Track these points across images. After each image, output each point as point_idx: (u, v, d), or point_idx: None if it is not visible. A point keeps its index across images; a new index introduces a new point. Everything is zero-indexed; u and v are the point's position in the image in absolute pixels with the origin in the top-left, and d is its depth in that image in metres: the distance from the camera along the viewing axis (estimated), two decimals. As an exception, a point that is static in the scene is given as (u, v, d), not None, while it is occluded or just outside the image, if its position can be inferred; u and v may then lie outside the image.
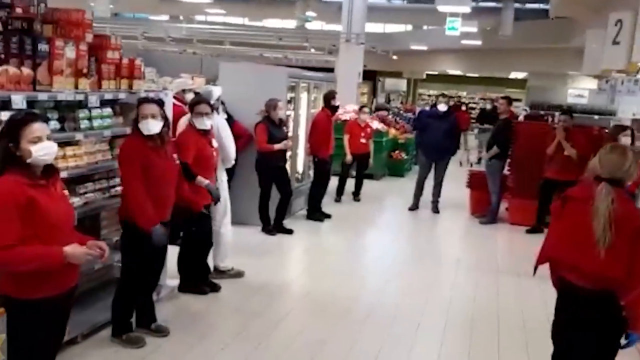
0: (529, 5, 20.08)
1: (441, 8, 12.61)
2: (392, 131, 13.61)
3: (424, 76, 30.70)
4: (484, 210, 9.11)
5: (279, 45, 20.00)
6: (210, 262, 5.57)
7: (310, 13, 20.14)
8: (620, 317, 2.97)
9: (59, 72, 3.64)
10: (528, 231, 8.41)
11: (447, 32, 14.62)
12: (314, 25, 23.13)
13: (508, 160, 8.95)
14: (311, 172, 8.71)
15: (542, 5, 20.99)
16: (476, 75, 29.12)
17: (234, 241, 5.88)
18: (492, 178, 8.84)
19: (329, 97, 8.47)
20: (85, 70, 3.87)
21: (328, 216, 8.61)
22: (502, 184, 8.90)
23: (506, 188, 9.02)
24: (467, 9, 12.71)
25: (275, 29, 19.16)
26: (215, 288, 5.36)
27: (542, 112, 16.22)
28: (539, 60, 20.69)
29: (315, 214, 8.54)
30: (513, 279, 6.43)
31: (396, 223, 9.01)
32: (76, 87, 3.83)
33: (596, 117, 11.11)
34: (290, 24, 24.84)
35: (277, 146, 7.03)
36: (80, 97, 3.88)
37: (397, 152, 13.34)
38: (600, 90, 15.63)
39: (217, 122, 5.35)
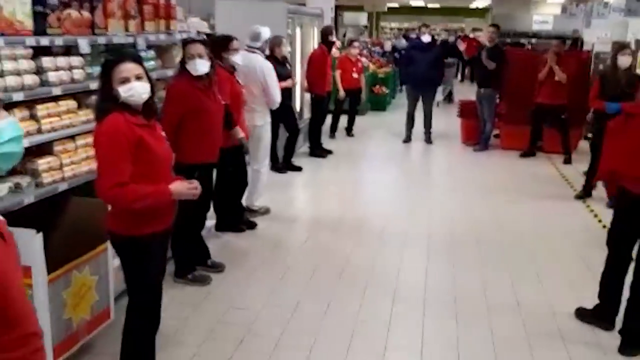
0: None
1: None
2: (371, 66, 13.65)
3: (386, 9, 30.38)
4: (476, 138, 9.40)
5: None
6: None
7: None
8: None
9: (112, 15, 3.58)
10: (522, 155, 8.77)
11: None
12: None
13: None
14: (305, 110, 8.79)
15: None
16: (437, 6, 28.98)
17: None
18: (488, 105, 9.07)
19: (327, 32, 8.49)
20: (132, 12, 3.81)
21: (330, 152, 8.76)
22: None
23: (497, 115, 9.30)
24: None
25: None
26: (252, 226, 5.48)
27: (508, 40, 16.55)
28: (503, -13, 20.75)
29: (317, 150, 8.67)
30: (512, 196, 6.82)
31: (393, 155, 9.19)
32: (126, 29, 3.77)
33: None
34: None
35: (283, 84, 7.02)
36: (130, 39, 3.82)
37: (377, 86, 13.42)
38: (571, 14, 16.02)
39: (262, 65, 5.34)
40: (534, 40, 17.28)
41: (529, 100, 8.46)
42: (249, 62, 5.41)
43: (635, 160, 3.34)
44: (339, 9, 28.80)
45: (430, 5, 29.00)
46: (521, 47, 14.89)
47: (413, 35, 19.29)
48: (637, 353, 3.52)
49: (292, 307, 4.01)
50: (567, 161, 8.42)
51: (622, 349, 3.54)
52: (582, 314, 3.95)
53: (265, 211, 5.94)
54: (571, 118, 8.22)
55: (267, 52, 6.90)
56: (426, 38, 9.57)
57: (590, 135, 8.15)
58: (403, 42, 17.21)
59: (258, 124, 5.72)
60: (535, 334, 3.78)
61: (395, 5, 29.79)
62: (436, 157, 9.31)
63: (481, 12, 28.67)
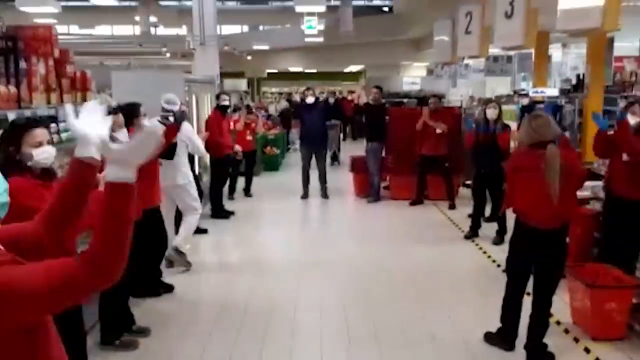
0: (357, 3, 21.63)
1: (299, 8, 13.32)
2: (261, 128, 14.11)
3: (265, 74, 31.46)
4: (367, 191, 10.02)
5: (120, 52, 19.45)
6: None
7: (153, 18, 19.85)
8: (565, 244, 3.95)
9: (36, 89, 3.69)
10: (411, 203, 9.46)
11: (306, 31, 15.42)
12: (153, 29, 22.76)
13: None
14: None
15: (368, 2, 22.78)
16: (315, 71, 30.51)
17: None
18: (374, 160, 9.75)
19: (218, 97, 8.86)
20: (53, 86, 3.92)
21: (232, 213, 8.95)
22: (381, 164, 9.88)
23: (385, 168, 10.02)
24: (322, 8, 13.56)
25: (129, 37, 18.61)
26: (170, 288, 5.53)
27: (383, 100, 17.83)
28: (375, 53, 22.42)
29: (220, 212, 8.82)
30: (409, 240, 7.38)
31: (294, 211, 9.55)
32: (48, 102, 3.87)
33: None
34: (124, 30, 24.11)
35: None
36: (52, 111, 3.92)
37: (269, 147, 13.87)
38: (438, 76, 17.61)
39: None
40: (406, 100, 18.75)
41: (413, 152, 9.24)
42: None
43: (531, 204, 3.99)
44: (220, 75, 29.46)
45: (307, 71, 30.44)
46: (400, 105, 16.08)
47: (296, 98, 20.27)
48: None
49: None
50: (452, 207, 9.20)
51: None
52: (488, 337, 4.43)
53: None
54: (451, 167, 9.07)
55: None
56: (310, 100, 10.24)
57: (468, 182, 9.05)
58: (284, 104, 18.01)
59: (181, 183, 6.07)
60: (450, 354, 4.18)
61: (275, 70, 30.96)
62: (334, 210, 9.78)
63: (355, 76, 30.51)
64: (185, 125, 6.02)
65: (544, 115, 4.16)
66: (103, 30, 25.09)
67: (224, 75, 28.52)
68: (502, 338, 4.34)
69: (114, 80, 7.67)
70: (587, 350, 4.27)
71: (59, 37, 4.04)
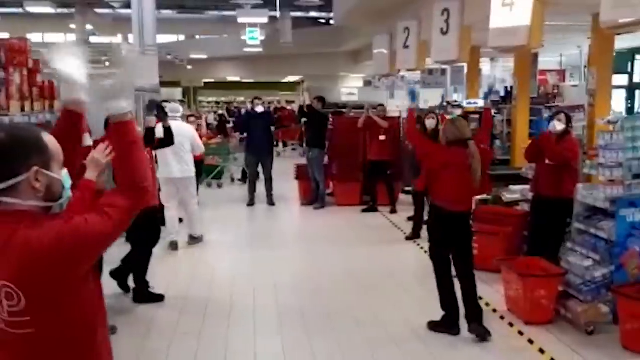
0: (300, 14, 22.09)
1: (241, 19, 13.61)
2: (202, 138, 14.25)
3: (202, 84, 31.44)
4: (313, 198, 10.39)
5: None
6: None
7: (89, 26, 19.60)
8: None
9: (12, 97, 3.86)
10: (365, 210, 9.83)
11: (249, 42, 15.70)
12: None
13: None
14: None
15: (305, 13, 23.26)
16: (252, 80, 30.75)
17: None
18: (318, 168, 10.15)
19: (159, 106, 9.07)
20: (27, 94, 4.09)
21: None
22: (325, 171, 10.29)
23: (329, 175, 10.43)
24: (264, 20, 13.91)
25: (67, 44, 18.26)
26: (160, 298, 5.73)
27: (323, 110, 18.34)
28: (313, 64, 22.94)
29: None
30: (355, 244, 7.79)
31: (242, 219, 9.81)
32: (22, 109, 4.04)
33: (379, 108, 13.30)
34: (59, 37, 23.59)
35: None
36: (26, 118, 4.09)
37: (211, 157, 14.01)
38: (376, 87, 18.27)
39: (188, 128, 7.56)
40: (344, 110, 19.28)
41: (357, 159, 9.71)
42: (177, 127, 6.88)
43: (457, 192, 4.67)
44: (156, 85, 29.21)
45: (245, 80, 30.65)
46: (341, 114, 16.56)
47: (234, 109, 20.48)
48: (481, 330, 4.59)
49: None
50: (393, 211, 9.70)
51: (469, 328, 4.65)
52: (433, 325, 4.87)
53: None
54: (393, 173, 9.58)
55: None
56: (259, 109, 10.57)
57: (408, 188, 9.59)
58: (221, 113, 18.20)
59: (188, 175, 7.50)
60: (400, 340, 4.60)
61: (212, 80, 30.99)
62: (280, 217, 10.09)
63: (292, 86, 30.93)
64: (187, 125, 7.66)
65: (462, 118, 4.99)
66: (36, 38, 24.43)
67: (159, 84, 28.46)
68: (446, 324, 4.79)
69: (62, 90, 7.70)
70: (520, 333, 4.78)
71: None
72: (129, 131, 1.89)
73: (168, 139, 5.99)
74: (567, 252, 5.11)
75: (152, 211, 5.38)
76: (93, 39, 19.34)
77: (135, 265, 5.64)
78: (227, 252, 7.78)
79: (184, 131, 7.45)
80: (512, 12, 5.83)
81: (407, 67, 9.72)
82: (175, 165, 7.26)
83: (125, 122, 1.88)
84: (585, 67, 11.43)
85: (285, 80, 30.01)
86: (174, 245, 7.40)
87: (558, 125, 5.60)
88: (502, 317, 5.13)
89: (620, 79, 17.18)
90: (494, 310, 5.27)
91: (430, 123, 7.76)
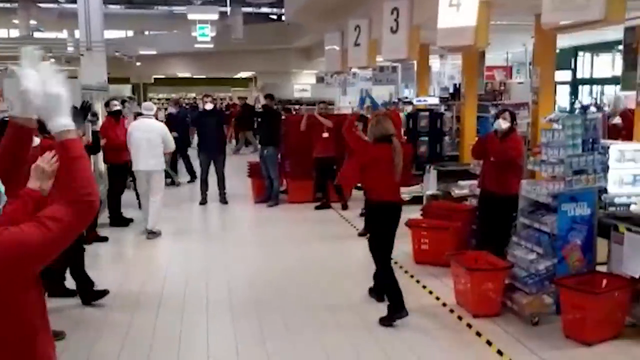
0: (252, 10, 21.98)
1: (191, 16, 13.42)
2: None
3: (152, 80, 30.87)
4: (266, 195, 10.37)
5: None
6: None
7: (32, 21, 18.98)
8: None
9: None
10: (318, 207, 9.87)
11: (199, 39, 15.50)
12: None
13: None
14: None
15: (258, 9, 23.16)
16: (204, 76, 30.39)
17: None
18: (272, 165, 10.13)
19: (106, 104, 8.88)
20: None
21: (131, 220, 8.94)
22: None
23: (282, 173, 10.42)
24: (215, 16, 13.76)
25: (6, 39, 17.60)
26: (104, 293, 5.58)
27: (275, 106, 18.35)
28: (266, 60, 22.84)
29: (119, 219, 8.78)
30: (309, 240, 7.84)
31: (193, 218, 9.72)
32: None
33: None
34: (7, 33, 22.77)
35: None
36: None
37: (163, 154, 13.79)
38: (328, 84, 18.34)
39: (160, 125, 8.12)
40: (298, 107, 19.35)
41: (309, 157, 9.74)
42: (150, 124, 8.07)
43: (384, 182, 5.07)
44: (104, 81, 28.56)
45: (196, 76, 30.27)
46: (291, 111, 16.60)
47: (185, 104, 20.16)
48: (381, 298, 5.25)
49: None
50: (345, 207, 9.77)
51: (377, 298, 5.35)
52: (386, 320, 4.97)
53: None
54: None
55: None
56: (209, 106, 10.47)
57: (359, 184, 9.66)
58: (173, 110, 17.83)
59: (159, 169, 8.08)
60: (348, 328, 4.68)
61: (162, 76, 30.47)
62: (233, 215, 10.03)
63: (245, 82, 30.71)
64: (159, 123, 8.28)
65: (386, 117, 5.45)
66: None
67: (107, 80, 27.85)
68: (397, 311, 4.95)
69: (5, 87, 7.48)
70: (469, 326, 4.91)
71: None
72: (73, 148, 1.87)
73: (95, 145, 5.79)
74: (512, 246, 5.27)
75: None
76: (37, 35, 18.73)
77: (70, 265, 5.51)
78: (180, 251, 7.71)
79: (157, 128, 8.13)
80: (459, 13, 5.95)
81: (358, 64, 9.81)
82: (147, 158, 7.88)
83: (68, 140, 1.86)
84: (530, 64, 11.77)
85: (238, 76, 29.76)
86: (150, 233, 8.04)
87: (503, 124, 5.76)
88: (451, 311, 5.25)
89: (564, 75, 17.81)
90: (444, 304, 5.40)
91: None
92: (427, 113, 9.05)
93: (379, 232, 5.18)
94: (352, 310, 5.34)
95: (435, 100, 9.83)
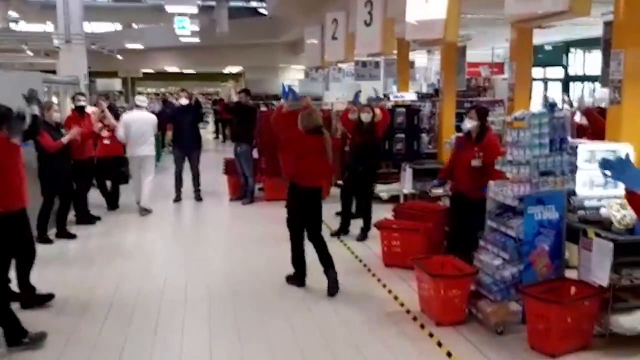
0: (236, 4, 21.65)
1: (169, 8, 13.09)
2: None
3: (141, 74, 30.51)
4: (242, 193, 10.09)
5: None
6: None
7: (12, 13, 18.61)
8: None
9: None
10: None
11: (177, 32, 15.17)
12: (17, 25, 21.35)
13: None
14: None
15: (245, 3, 22.85)
16: (193, 71, 30.05)
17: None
18: (246, 162, 9.85)
19: (72, 99, 8.59)
20: None
21: (98, 218, 8.67)
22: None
23: (260, 170, 10.14)
24: (194, 10, 13.43)
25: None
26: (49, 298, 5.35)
27: (261, 101, 18.07)
28: (253, 55, 22.51)
29: (85, 217, 8.51)
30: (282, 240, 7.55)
31: (166, 215, 9.44)
32: None
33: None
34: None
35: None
36: None
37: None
38: (313, 79, 18.04)
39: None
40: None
41: (285, 154, 9.45)
42: (144, 115, 9.28)
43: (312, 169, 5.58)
44: (91, 75, 28.15)
45: (185, 71, 29.92)
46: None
47: (173, 100, 19.84)
48: (333, 274, 5.61)
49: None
50: None
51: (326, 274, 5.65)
52: (288, 278, 5.82)
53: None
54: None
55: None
56: (184, 101, 10.17)
57: (340, 182, 9.38)
58: (157, 107, 17.52)
59: (150, 154, 9.15)
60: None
61: (151, 70, 30.11)
62: (207, 213, 9.76)
63: (234, 77, 30.39)
64: (150, 114, 9.43)
65: (317, 110, 6.04)
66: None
67: (95, 74, 27.49)
68: (297, 279, 5.76)
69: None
70: (430, 335, 4.65)
71: None
72: None
73: (32, 130, 5.77)
74: (479, 250, 5.01)
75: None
76: (15, 27, 18.35)
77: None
78: (149, 249, 7.47)
79: (149, 119, 9.26)
80: (428, 5, 5.68)
81: (335, 58, 9.55)
82: (140, 146, 8.99)
83: None
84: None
85: (227, 71, 29.43)
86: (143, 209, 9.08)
87: (468, 123, 5.51)
88: (414, 319, 4.99)
89: (556, 72, 17.56)
90: (408, 311, 5.14)
91: (365, 117, 7.57)
92: (403, 109, 8.77)
93: (306, 214, 5.66)
94: (329, 308, 5.08)
95: (413, 97, 9.55)
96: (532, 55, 6.91)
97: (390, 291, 5.67)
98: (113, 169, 9.45)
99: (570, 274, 4.77)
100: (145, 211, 9.10)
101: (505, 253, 4.65)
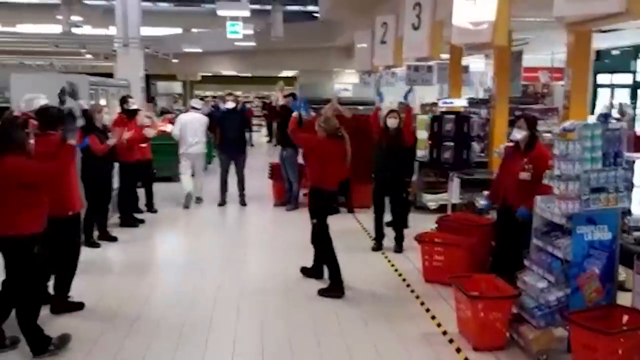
0: (293, 8, 21.59)
1: (221, 12, 13.13)
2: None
3: (199, 78, 30.98)
4: (286, 198, 9.93)
5: (43, 51, 18.70)
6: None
7: (76, 17, 19.13)
8: None
9: None
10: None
11: (229, 36, 15.22)
12: (81, 29, 21.98)
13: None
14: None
15: (302, 7, 22.74)
16: (249, 75, 30.25)
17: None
18: (291, 167, 9.70)
19: (122, 102, 8.62)
20: None
21: (142, 221, 8.69)
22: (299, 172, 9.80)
23: (303, 175, 9.94)
24: (246, 13, 13.43)
25: (45, 35, 17.84)
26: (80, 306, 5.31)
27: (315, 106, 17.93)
28: (307, 59, 22.41)
29: (129, 219, 8.55)
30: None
31: (208, 219, 9.41)
32: None
33: (361, 107, 12.89)
34: (49, 29, 23.18)
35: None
36: None
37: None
38: (365, 83, 17.76)
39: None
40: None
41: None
42: (196, 117, 10.04)
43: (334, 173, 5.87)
44: (151, 78, 28.83)
45: (242, 75, 30.16)
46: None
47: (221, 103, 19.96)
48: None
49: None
50: (350, 210, 9.19)
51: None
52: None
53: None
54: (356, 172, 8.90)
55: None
56: (230, 105, 10.13)
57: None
58: (207, 109, 17.66)
59: (202, 152, 10.05)
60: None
61: (209, 74, 30.52)
62: (251, 218, 9.67)
63: (290, 81, 30.38)
64: (202, 115, 10.14)
65: (333, 116, 6.02)
66: (26, 29, 24.09)
67: (156, 77, 28.11)
68: (336, 288, 5.67)
69: (12, 82, 7.33)
70: (466, 360, 4.34)
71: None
72: None
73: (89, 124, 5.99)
74: (524, 271, 4.65)
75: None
76: (75, 30, 18.87)
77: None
78: (187, 259, 7.30)
79: (201, 119, 10.00)
80: (476, 7, 5.35)
81: (384, 63, 9.27)
82: (192, 144, 9.75)
83: None
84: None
85: (283, 74, 29.47)
86: (189, 198, 9.86)
87: (518, 134, 5.15)
88: (450, 341, 4.67)
89: (624, 78, 16.63)
90: (444, 333, 4.83)
91: (391, 122, 7.29)
92: (452, 116, 8.39)
93: (324, 217, 5.81)
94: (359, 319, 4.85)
95: (463, 103, 9.14)
96: (591, 61, 6.45)
97: (428, 309, 5.37)
98: (149, 171, 9.50)
99: (627, 297, 4.36)
100: (199, 200, 10.09)
101: (550, 275, 4.28)
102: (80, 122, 5.51)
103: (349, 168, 6.04)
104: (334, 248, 5.84)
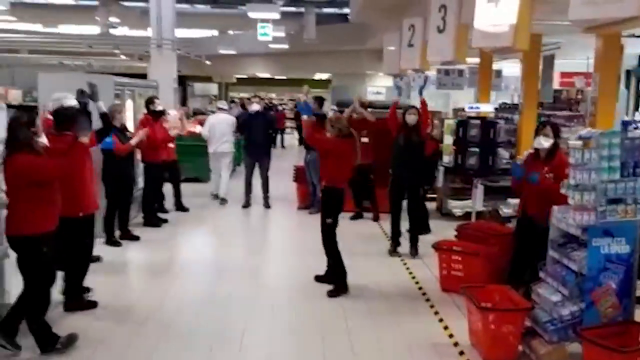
0: (328, 10, 21.57)
1: (252, 15, 13.18)
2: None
3: (234, 80, 31.25)
4: (310, 201, 9.88)
5: (81, 52, 19.08)
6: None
7: (113, 19, 19.51)
8: None
9: None
10: (351, 218, 9.28)
11: (259, 38, 15.30)
12: (118, 30, 22.41)
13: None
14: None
15: (338, 10, 22.69)
16: (284, 77, 30.37)
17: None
18: (315, 171, 9.63)
19: (148, 102, 8.68)
20: None
21: (165, 221, 8.77)
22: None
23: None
24: (276, 15, 13.47)
25: (80, 36, 18.27)
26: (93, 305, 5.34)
27: (323, 111, 17.83)
28: (340, 61, 22.37)
29: (152, 219, 8.63)
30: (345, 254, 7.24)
31: (231, 221, 9.44)
32: None
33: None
34: (90, 29, 23.72)
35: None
36: None
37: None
38: (398, 87, 17.57)
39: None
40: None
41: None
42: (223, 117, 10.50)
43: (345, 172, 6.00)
44: (188, 79, 29.23)
45: (277, 77, 30.30)
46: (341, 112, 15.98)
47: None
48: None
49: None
50: (376, 219, 9.08)
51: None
52: (332, 292, 5.76)
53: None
54: (381, 177, 8.76)
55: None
56: (254, 107, 10.15)
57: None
58: (236, 111, 17.77)
59: (229, 151, 10.40)
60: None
61: (244, 76, 30.76)
62: (273, 221, 9.66)
63: (324, 83, 30.38)
64: (229, 116, 10.57)
65: (341, 116, 6.53)
66: (67, 29, 24.68)
67: (191, 78, 28.45)
68: (343, 287, 5.83)
69: (40, 81, 7.46)
70: (476, 374, 4.22)
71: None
72: None
73: (106, 127, 5.77)
74: (539, 283, 4.50)
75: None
76: (113, 31, 19.24)
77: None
78: (204, 261, 7.31)
79: (229, 120, 10.41)
80: (498, 10, 5.21)
81: (411, 66, 9.10)
82: (220, 143, 10.18)
83: None
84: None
85: (317, 77, 29.49)
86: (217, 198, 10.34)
87: (545, 142, 5.00)
88: (461, 353, 4.55)
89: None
90: (455, 344, 4.70)
91: (411, 119, 7.19)
92: (478, 121, 8.21)
93: (337, 215, 5.87)
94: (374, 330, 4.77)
95: (490, 108, 8.93)
96: (620, 66, 6.22)
97: (441, 319, 5.25)
98: (175, 171, 9.55)
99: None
100: (224, 201, 10.17)
101: (564, 288, 4.13)
102: (97, 123, 5.53)
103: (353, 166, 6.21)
104: (336, 245, 5.99)
